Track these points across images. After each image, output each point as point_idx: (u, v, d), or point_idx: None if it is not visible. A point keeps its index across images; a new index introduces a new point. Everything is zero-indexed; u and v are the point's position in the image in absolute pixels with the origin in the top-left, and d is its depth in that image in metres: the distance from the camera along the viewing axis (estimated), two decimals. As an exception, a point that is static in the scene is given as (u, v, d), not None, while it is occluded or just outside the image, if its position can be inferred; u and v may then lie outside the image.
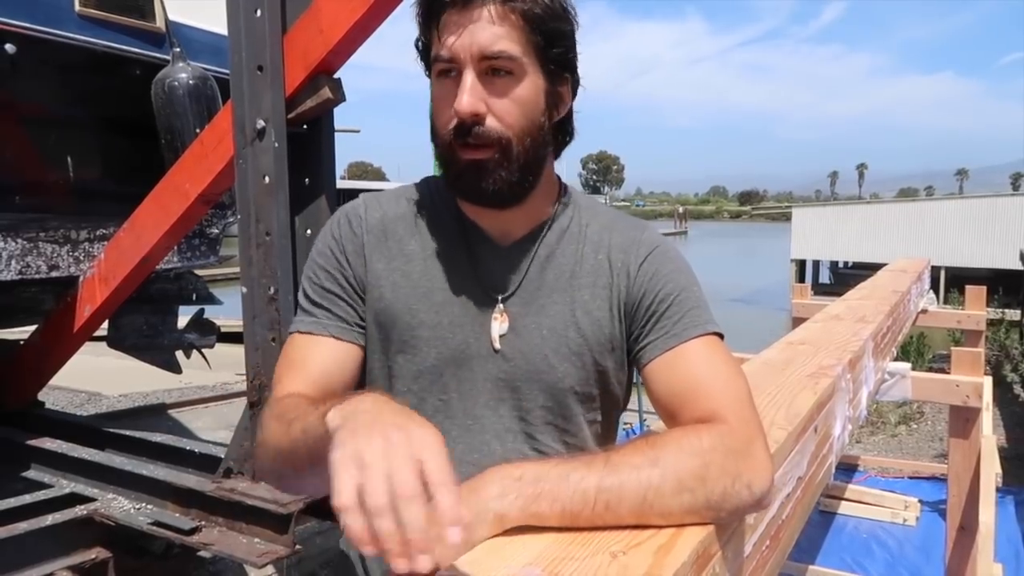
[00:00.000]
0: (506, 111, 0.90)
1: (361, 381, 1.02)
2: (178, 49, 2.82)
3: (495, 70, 0.89)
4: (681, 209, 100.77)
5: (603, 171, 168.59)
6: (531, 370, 0.97)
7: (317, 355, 0.97)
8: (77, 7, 2.83)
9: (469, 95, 0.88)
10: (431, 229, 1.01)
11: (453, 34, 0.88)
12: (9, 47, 2.66)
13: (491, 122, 0.90)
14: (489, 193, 0.94)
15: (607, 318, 0.99)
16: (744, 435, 0.82)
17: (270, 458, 0.89)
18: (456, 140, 0.91)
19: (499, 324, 0.97)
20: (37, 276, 2.90)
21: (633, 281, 0.99)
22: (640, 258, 1.00)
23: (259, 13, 2.07)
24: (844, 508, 4.14)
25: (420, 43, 0.95)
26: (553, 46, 0.92)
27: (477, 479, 0.76)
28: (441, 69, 0.91)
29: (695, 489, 0.75)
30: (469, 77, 0.88)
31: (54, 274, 2.95)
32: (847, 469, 4.62)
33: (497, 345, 0.97)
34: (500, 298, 0.98)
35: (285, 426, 0.84)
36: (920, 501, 4.14)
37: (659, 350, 0.94)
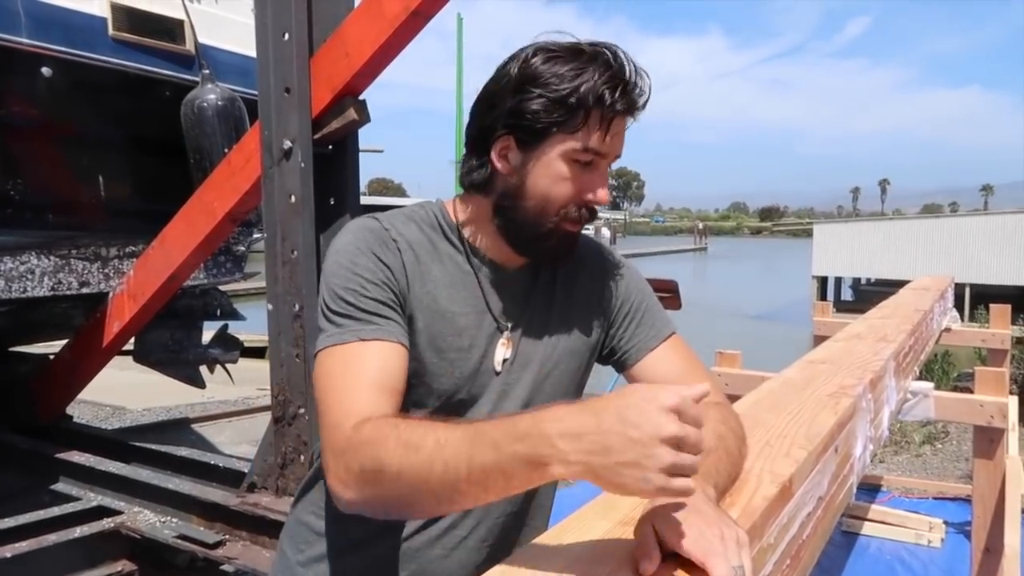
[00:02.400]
0: None
1: None
2: (207, 71, 2.89)
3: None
4: (701, 225, 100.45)
5: (623, 187, 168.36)
6: (526, 395, 1.07)
7: (391, 361, 0.95)
8: (111, 31, 2.92)
9: (607, 187, 1.00)
10: (444, 255, 1.05)
11: (614, 136, 0.97)
12: (45, 70, 2.74)
13: None
14: (567, 256, 1.06)
15: (595, 327, 1.13)
16: (734, 411, 1.07)
17: (391, 482, 0.82)
18: (572, 216, 0.99)
19: (504, 350, 1.06)
20: (68, 292, 2.96)
21: (613, 291, 1.14)
22: (614, 269, 1.16)
23: (287, 37, 2.13)
24: (867, 529, 4.08)
25: (547, 121, 0.94)
26: None
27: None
28: (586, 159, 0.97)
29: (743, 454, 0.97)
30: (605, 173, 1.00)
31: (85, 290, 3.01)
32: (870, 489, 4.56)
33: (498, 368, 1.06)
34: (508, 325, 1.06)
35: (421, 452, 0.79)
36: (945, 522, 4.07)
37: (646, 349, 1.12)
